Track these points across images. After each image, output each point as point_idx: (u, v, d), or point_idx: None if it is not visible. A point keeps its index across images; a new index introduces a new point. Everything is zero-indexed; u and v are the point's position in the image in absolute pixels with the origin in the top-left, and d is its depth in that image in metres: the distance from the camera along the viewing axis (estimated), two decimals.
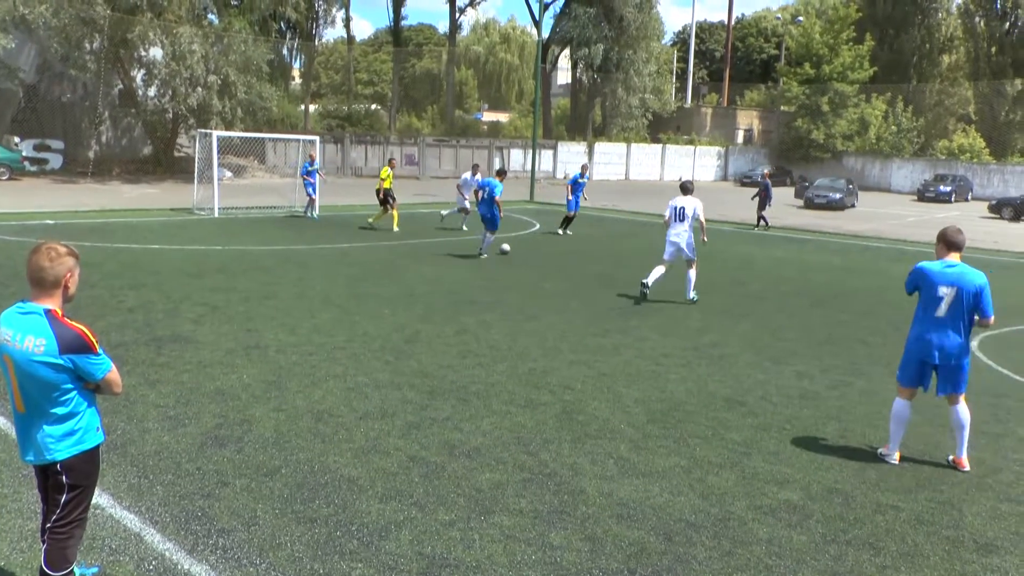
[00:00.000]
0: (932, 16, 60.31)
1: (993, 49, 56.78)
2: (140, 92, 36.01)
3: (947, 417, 6.81)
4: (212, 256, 15.99)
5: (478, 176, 21.99)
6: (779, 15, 77.91)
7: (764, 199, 26.95)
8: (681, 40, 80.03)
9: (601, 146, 55.75)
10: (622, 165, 56.47)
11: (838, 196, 38.17)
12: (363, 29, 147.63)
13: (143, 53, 33.94)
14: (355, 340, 9.75)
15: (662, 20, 64.48)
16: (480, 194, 17.84)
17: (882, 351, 10.42)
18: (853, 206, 39.19)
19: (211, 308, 11.15)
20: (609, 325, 11.31)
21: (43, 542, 3.93)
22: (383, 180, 21.69)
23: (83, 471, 3.89)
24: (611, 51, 55.37)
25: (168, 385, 7.74)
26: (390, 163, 22.52)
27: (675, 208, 13.19)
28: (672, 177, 58.68)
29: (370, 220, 22.10)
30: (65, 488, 3.86)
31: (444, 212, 24.09)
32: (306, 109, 55.48)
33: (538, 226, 24.17)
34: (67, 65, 33.34)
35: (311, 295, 12.40)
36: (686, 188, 13.55)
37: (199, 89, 32.78)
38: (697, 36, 75.02)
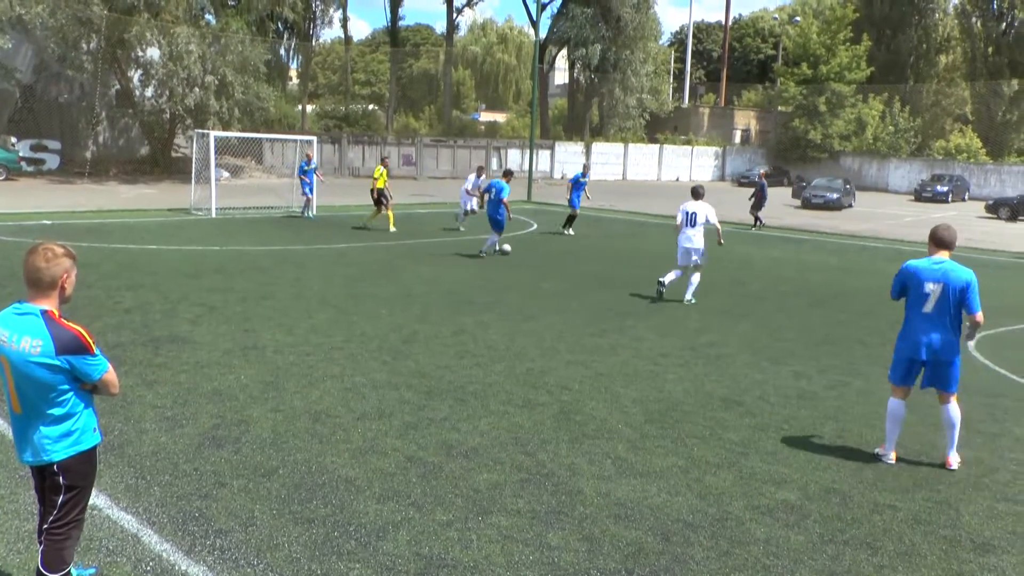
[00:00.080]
0: (929, 16, 60.41)
1: (990, 49, 56.89)
2: (137, 92, 35.97)
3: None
4: (209, 256, 15.97)
5: (483, 177, 22.00)
6: (776, 15, 78.06)
7: (760, 199, 27.05)
8: (678, 40, 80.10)
9: (598, 146, 55.77)
10: (619, 165, 56.50)
11: (835, 196, 38.21)
12: (360, 29, 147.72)
13: (140, 53, 33.89)
14: (353, 340, 9.75)
15: (659, 20, 64.63)
16: (487, 196, 17.94)
17: (880, 351, 10.42)
18: (850, 206, 39.24)
19: (208, 308, 11.14)
20: (607, 325, 11.31)
21: (40, 543, 3.93)
22: (376, 180, 21.62)
23: (80, 472, 3.89)
24: (608, 51, 55.41)
25: (165, 386, 7.73)
26: (383, 162, 22.43)
27: (687, 213, 13.21)
28: (669, 177, 58.76)
29: (365, 221, 22.03)
30: (62, 489, 3.85)
31: (460, 226, 23.45)
32: (303, 109, 55.45)
33: (535, 226, 24.17)
34: (64, 65, 33.30)
35: (309, 295, 12.40)
36: (698, 192, 13.54)
37: (196, 89, 32.74)
38: (694, 36, 75.07)
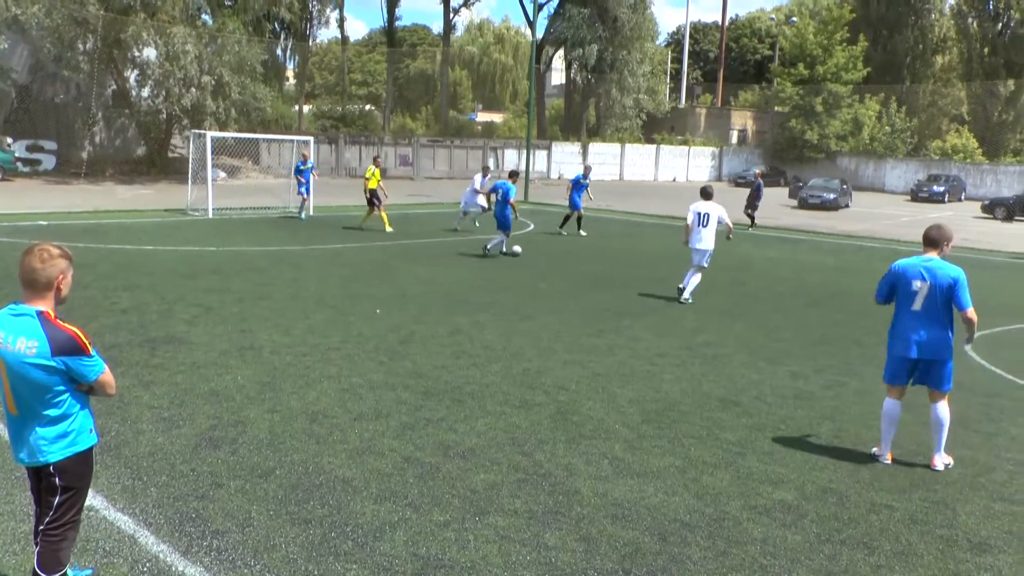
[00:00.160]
0: (925, 17, 60.52)
1: (986, 50, 56.97)
2: (134, 93, 35.90)
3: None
4: (206, 257, 15.96)
5: (488, 177, 22.02)
6: (773, 16, 78.11)
7: (754, 198, 27.12)
8: (675, 40, 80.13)
9: (595, 146, 55.79)
10: (616, 165, 56.52)
11: (832, 196, 38.25)
12: (357, 29, 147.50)
13: (137, 53, 33.83)
14: (349, 341, 9.74)
15: (656, 21, 64.74)
16: (494, 197, 18.05)
17: (876, 351, 10.40)
18: (847, 206, 39.28)
19: (205, 309, 11.12)
20: (603, 325, 11.32)
21: (36, 544, 3.92)
22: (368, 180, 21.55)
23: (76, 473, 3.88)
24: (605, 52, 55.43)
25: (162, 386, 7.72)
26: (375, 161, 22.37)
27: (699, 214, 13.23)
28: (666, 177, 58.81)
29: (359, 222, 21.97)
30: (58, 490, 3.84)
31: (476, 223, 23.25)
32: (300, 110, 55.38)
33: (532, 226, 24.16)
34: (60, 66, 33.22)
35: (305, 296, 12.39)
36: (707, 193, 13.59)
37: (193, 90, 32.68)
38: (691, 36, 75.13)
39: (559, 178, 51.52)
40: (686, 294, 13.26)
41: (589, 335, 10.68)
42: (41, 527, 3.89)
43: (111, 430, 6.49)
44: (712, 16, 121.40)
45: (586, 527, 5.30)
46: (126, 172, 36.51)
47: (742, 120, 67.54)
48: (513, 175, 18.60)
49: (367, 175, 21.72)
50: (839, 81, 55.89)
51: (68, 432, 3.82)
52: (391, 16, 57.82)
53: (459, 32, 78.95)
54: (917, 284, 6.44)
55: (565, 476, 6.09)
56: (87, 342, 3.73)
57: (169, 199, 26.82)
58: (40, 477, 3.89)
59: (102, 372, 3.81)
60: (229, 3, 38.52)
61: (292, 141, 30.56)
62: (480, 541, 5.04)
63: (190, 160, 25.82)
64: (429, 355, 9.28)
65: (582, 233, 22.43)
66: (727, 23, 71.65)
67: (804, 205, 38.08)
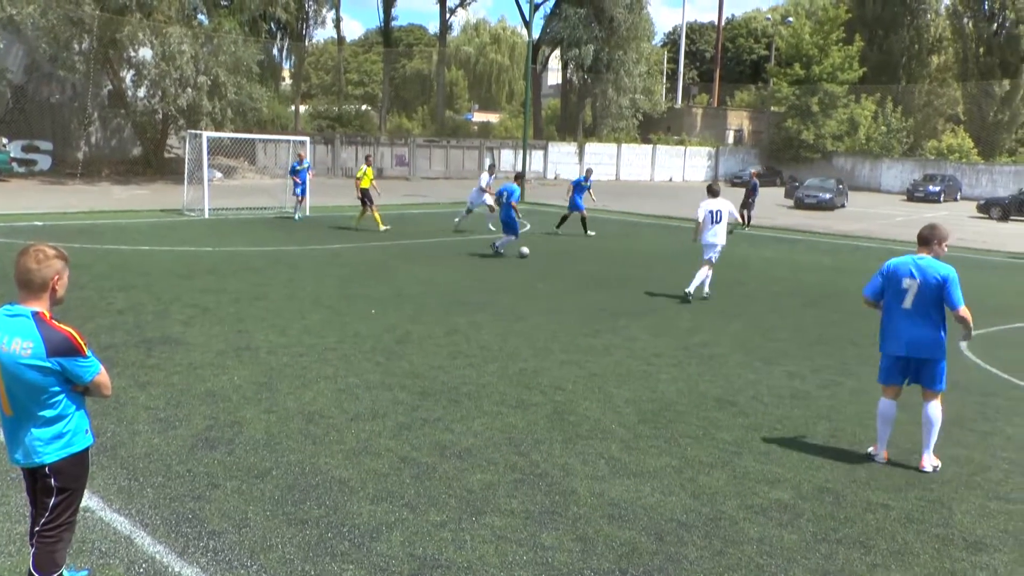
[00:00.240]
0: (921, 17, 60.62)
1: (981, 50, 57.07)
2: (129, 93, 35.83)
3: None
4: (202, 257, 15.94)
5: (494, 176, 22.01)
6: (769, 16, 78.21)
7: (749, 197, 27.19)
8: (671, 41, 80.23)
9: (591, 146, 55.82)
10: (612, 166, 56.54)
11: (828, 196, 38.31)
12: (353, 30, 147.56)
13: (132, 53, 33.76)
14: (346, 341, 9.74)
15: (652, 21, 64.82)
16: (501, 199, 18.18)
17: (872, 351, 10.36)
18: (843, 206, 39.35)
19: (201, 309, 11.11)
20: (600, 325, 11.32)
21: (32, 545, 3.91)
22: (359, 180, 21.50)
23: (72, 474, 3.87)
24: (601, 52, 55.44)
25: (158, 387, 7.71)
26: (367, 160, 22.32)
27: (711, 212, 13.47)
28: (663, 178, 58.84)
29: (354, 223, 21.94)
30: (54, 491, 3.83)
31: (456, 220, 23.27)
32: (296, 110, 55.37)
33: (528, 226, 24.16)
34: (55, 66, 33.14)
35: (302, 296, 12.38)
36: (715, 191, 13.88)
37: (189, 90, 32.64)
38: (687, 37, 75.15)
39: (555, 178, 51.55)
40: (692, 288, 13.38)
41: (586, 335, 10.68)
42: (37, 528, 3.88)
43: (107, 431, 6.48)
44: (708, 16, 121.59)
45: (583, 527, 5.30)
46: (122, 172, 36.44)
47: (738, 120, 67.62)
48: (518, 177, 18.71)
49: (359, 174, 21.68)
50: (835, 81, 55.98)
51: (64, 433, 3.81)
52: (387, 16, 57.84)
53: (455, 32, 79.01)
54: (907, 282, 6.44)
55: (561, 476, 6.09)
56: (83, 343, 3.72)
57: (165, 199, 26.78)
58: (36, 478, 3.88)
59: (98, 373, 3.81)
60: (225, 3, 38.44)
61: (288, 141, 30.57)
62: (477, 541, 5.04)
63: (186, 160, 25.78)
64: (426, 355, 9.28)
65: (590, 233, 22.42)
66: (723, 23, 71.74)
67: (800, 205, 38.13)
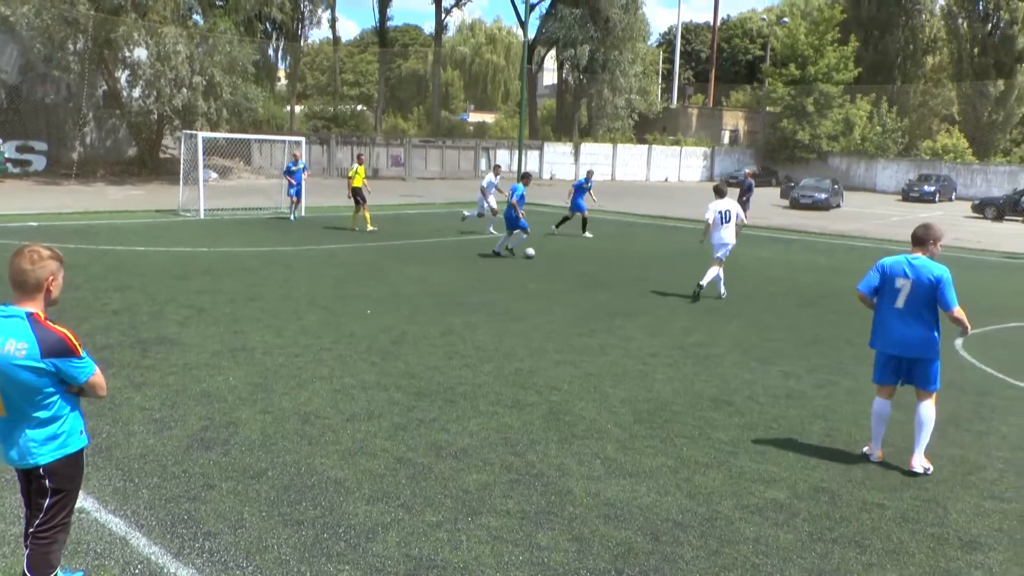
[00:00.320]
0: (916, 17, 60.77)
1: (976, 50, 57.26)
2: (125, 93, 35.75)
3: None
4: (198, 258, 15.91)
5: (500, 177, 22.00)
6: (764, 16, 78.28)
7: (741, 196, 27.26)
8: (667, 41, 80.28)
9: (587, 147, 55.88)
10: (608, 166, 56.60)
11: (823, 196, 38.39)
12: (349, 30, 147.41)
13: (127, 54, 33.68)
14: (341, 341, 9.73)
15: (648, 21, 64.79)
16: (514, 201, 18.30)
17: (868, 351, 10.34)
18: (838, 206, 39.43)
19: (197, 310, 11.09)
20: (595, 325, 11.32)
21: (26, 547, 3.90)
22: (351, 178, 21.46)
23: (66, 475, 3.86)
24: (597, 52, 55.49)
25: (153, 388, 7.69)
26: (358, 159, 22.26)
27: (721, 212, 13.68)
28: (658, 178, 58.89)
29: (349, 224, 21.89)
30: (48, 492, 3.83)
31: (466, 213, 23.65)
32: (292, 110, 55.32)
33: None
34: (50, 66, 33.04)
35: (297, 296, 12.36)
36: (722, 191, 14.10)
37: (184, 90, 32.58)
38: (683, 37, 75.28)
39: (551, 179, 51.56)
40: (705, 281, 13.56)
41: (581, 335, 10.69)
42: (31, 529, 3.87)
43: (102, 432, 6.46)
44: (704, 16, 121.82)
45: (578, 527, 5.30)
46: (117, 173, 36.36)
47: (734, 120, 67.71)
48: (524, 177, 18.73)
49: (350, 173, 21.63)
50: (830, 81, 56.11)
51: (58, 434, 3.80)
52: (383, 16, 57.84)
53: (451, 32, 78.98)
54: (900, 282, 6.43)
55: (557, 476, 6.09)
56: (77, 344, 3.71)
57: (160, 200, 26.72)
58: (30, 479, 3.87)
59: (92, 374, 3.80)
60: (220, 3, 38.41)
61: (284, 142, 30.48)
62: (473, 541, 5.04)
63: (181, 161, 25.73)
64: (421, 356, 9.27)
65: (587, 235, 22.42)
66: (719, 23, 71.85)
67: (796, 205, 38.21)
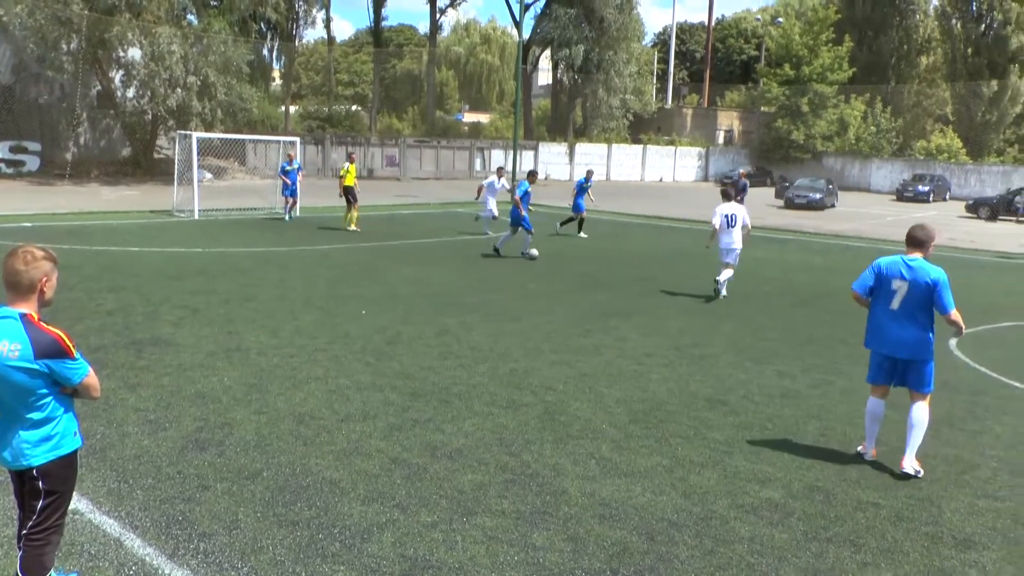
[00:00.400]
0: (910, 18, 60.93)
1: (969, 51, 57.37)
2: (119, 93, 35.64)
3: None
4: (192, 258, 15.88)
5: (504, 180, 21.93)
6: (759, 16, 78.42)
7: (738, 197, 27.33)
8: (662, 41, 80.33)
9: (582, 147, 55.87)
10: (603, 166, 56.55)
11: (818, 196, 38.46)
12: (343, 30, 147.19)
13: (121, 54, 33.57)
14: (336, 342, 9.72)
15: (642, 21, 64.96)
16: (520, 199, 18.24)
17: (863, 351, 10.35)
18: (833, 206, 39.49)
19: (191, 311, 11.07)
20: (591, 325, 11.33)
21: (19, 548, 3.89)
22: (342, 177, 21.41)
23: (60, 477, 3.85)
24: (592, 52, 55.50)
25: (148, 389, 7.68)
26: (349, 157, 22.19)
27: (727, 216, 13.78)
28: (653, 178, 58.93)
29: (343, 224, 21.84)
30: (42, 494, 3.81)
31: (480, 214, 23.34)
32: (287, 110, 55.20)
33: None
34: (44, 66, 32.93)
35: (292, 297, 12.35)
36: (728, 195, 14.22)
37: (178, 90, 32.49)
38: (677, 37, 75.32)
39: (546, 179, 51.54)
40: (722, 277, 13.71)
41: (576, 335, 10.69)
42: (24, 531, 3.86)
43: (96, 433, 6.45)
44: (698, 16, 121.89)
45: (574, 527, 5.31)
46: (111, 173, 36.25)
47: (728, 120, 67.77)
48: (530, 174, 18.65)
49: (342, 172, 21.57)
50: (825, 81, 56.20)
51: (52, 435, 3.79)
52: (377, 16, 57.74)
53: (445, 32, 79.00)
54: (897, 283, 6.42)
55: (552, 476, 6.09)
56: (71, 345, 3.70)
57: (155, 200, 26.66)
58: (23, 480, 3.86)
59: (86, 375, 3.79)
60: (215, 3, 38.32)
61: (278, 142, 30.46)
62: (468, 542, 5.04)
63: (176, 161, 25.67)
64: (416, 356, 9.27)
65: (582, 235, 22.43)
66: (713, 23, 71.90)
67: (790, 205, 38.27)
